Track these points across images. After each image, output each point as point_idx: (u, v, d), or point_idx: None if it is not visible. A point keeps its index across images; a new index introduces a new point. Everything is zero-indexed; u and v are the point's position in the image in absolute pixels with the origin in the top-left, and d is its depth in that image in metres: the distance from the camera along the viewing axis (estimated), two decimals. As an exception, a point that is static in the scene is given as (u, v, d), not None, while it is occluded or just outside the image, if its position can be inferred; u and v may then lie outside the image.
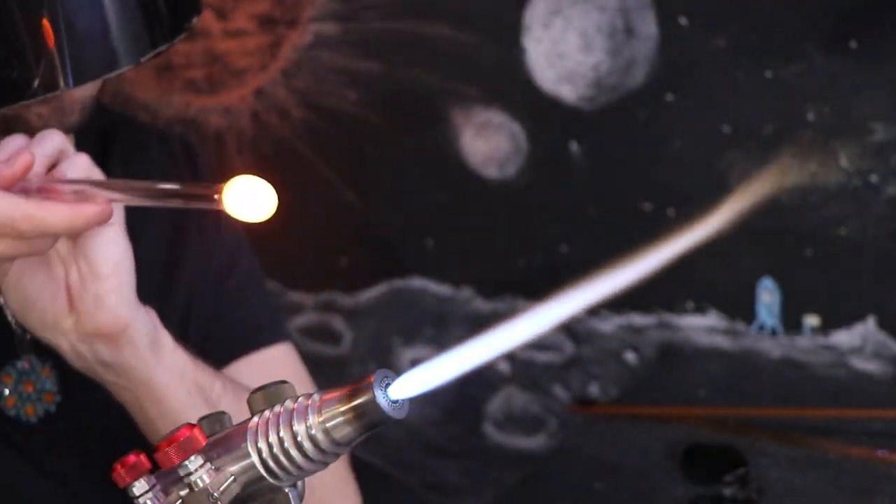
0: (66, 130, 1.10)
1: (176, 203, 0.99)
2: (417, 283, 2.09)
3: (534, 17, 1.95)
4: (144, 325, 1.08)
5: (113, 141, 1.26)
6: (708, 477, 1.46)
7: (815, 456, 1.53)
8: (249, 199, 0.96)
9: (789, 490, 1.45)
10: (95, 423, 1.17)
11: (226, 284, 1.28)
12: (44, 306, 1.06)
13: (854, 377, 1.83)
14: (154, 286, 1.15)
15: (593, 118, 1.94)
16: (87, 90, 1.12)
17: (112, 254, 1.06)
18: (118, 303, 1.06)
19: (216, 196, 0.94)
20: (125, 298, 1.06)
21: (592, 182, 1.95)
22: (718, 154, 1.86)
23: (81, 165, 1.04)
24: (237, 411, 1.13)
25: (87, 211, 1.00)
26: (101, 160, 1.12)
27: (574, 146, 1.96)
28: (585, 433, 1.67)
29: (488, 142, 2.01)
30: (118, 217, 1.05)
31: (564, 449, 1.68)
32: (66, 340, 1.08)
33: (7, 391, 1.18)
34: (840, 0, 1.78)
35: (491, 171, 2.02)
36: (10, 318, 1.17)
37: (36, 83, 1.00)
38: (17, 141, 1.02)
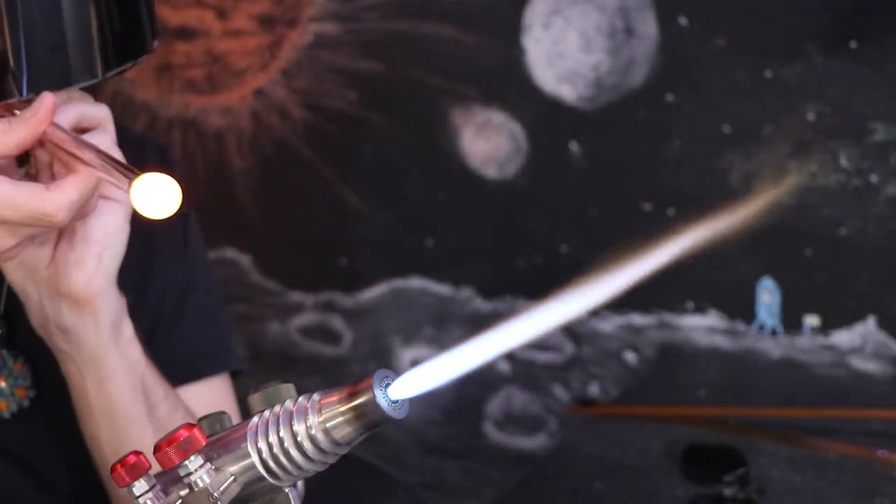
0: None
1: (99, 171, 0.97)
2: (417, 283, 2.09)
3: (534, 17, 1.95)
4: (112, 304, 1.08)
5: None
6: (708, 477, 1.46)
7: (815, 456, 1.53)
8: (157, 196, 0.92)
9: (789, 490, 1.45)
10: (69, 417, 1.16)
11: (182, 305, 1.27)
12: (30, 249, 1.05)
13: (854, 377, 1.83)
14: (130, 286, 1.15)
15: (593, 118, 1.94)
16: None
17: (108, 225, 1.06)
18: (96, 271, 1.06)
19: (131, 181, 0.93)
20: (104, 269, 1.07)
21: (592, 182, 1.95)
22: (718, 154, 1.86)
23: (103, 141, 1.03)
24: (170, 424, 1.13)
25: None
26: None
27: (574, 146, 1.96)
28: (585, 433, 1.67)
29: (488, 142, 2.01)
30: (126, 199, 1.04)
31: (564, 449, 1.68)
32: (35, 291, 1.08)
33: None
34: (840, 0, 1.78)
35: (491, 171, 2.02)
36: None
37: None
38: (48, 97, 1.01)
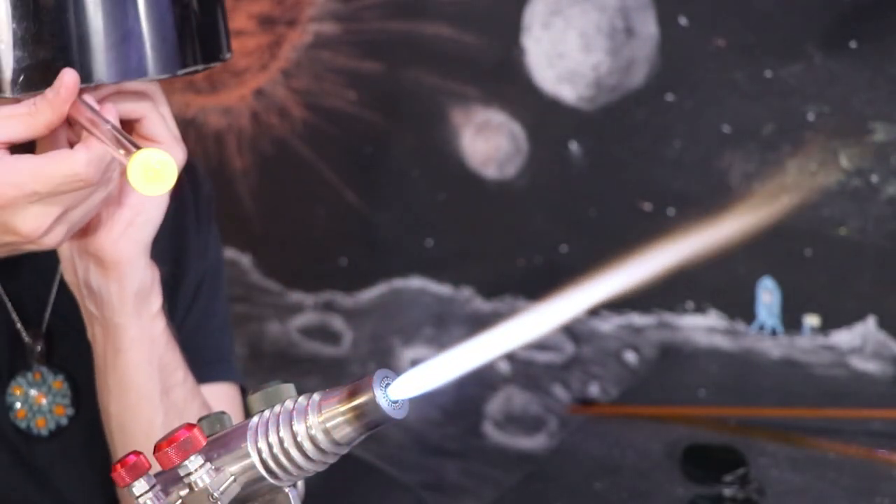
0: None
1: (106, 142, 0.95)
2: (417, 283, 2.09)
3: (534, 17, 1.95)
4: (140, 272, 1.07)
5: None
6: (708, 477, 1.46)
7: (815, 456, 1.53)
8: (153, 172, 0.90)
9: (789, 490, 1.45)
10: (104, 438, 1.15)
11: (197, 298, 1.26)
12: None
13: (854, 377, 1.83)
14: (167, 263, 1.14)
15: (593, 118, 1.94)
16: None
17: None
18: (125, 235, 1.05)
19: (130, 154, 0.91)
20: (134, 236, 1.05)
21: (592, 182, 1.95)
22: (718, 154, 1.86)
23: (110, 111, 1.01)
24: (186, 408, 1.11)
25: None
26: None
27: (574, 146, 1.96)
28: (585, 433, 1.67)
29: (488, 142, 2.01)
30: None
31: (564, 449, 1.68)
32: (67, 247, 1.07)
33: (18, 403, 1.16)
34: (840, 0, 1.78)
35: (491, 171, 2.02)
36: (20, 328, 1.16)
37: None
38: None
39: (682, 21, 1.86)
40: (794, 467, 1.50)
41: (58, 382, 1.17)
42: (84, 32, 0.97)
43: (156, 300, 1.09)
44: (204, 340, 1.24)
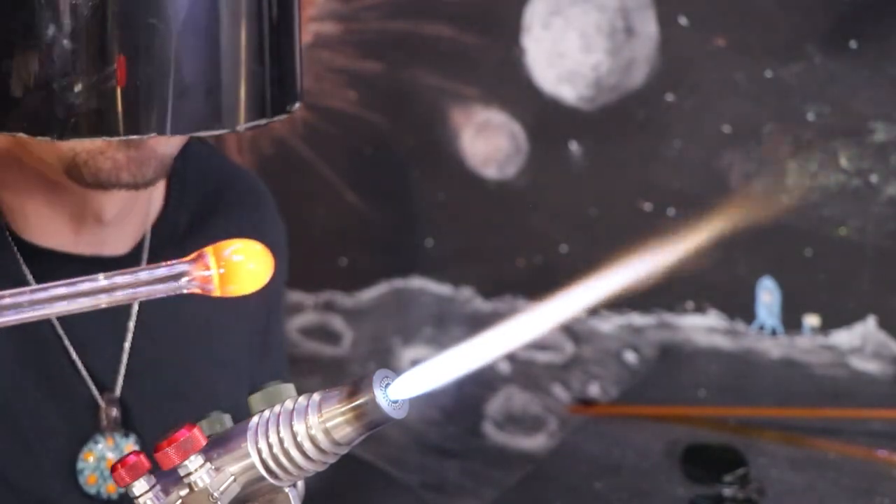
0: (137, 185, 1.02)
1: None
2: (417, 283, 2.09)
3: (534, 17, 1.95)
4: None
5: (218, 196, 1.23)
6: (708, 477, 1.46)
7: (815, 456, 1.53)
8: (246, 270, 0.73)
9: (789, 490, 1.45)
10: None
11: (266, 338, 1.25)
12: None
13: (854, 377, 1.83)
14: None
15: (593, 118, 1.94)
16: (173, 145, 1.04)
17: None
18: None
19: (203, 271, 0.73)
20: None
21: (592, 182, 1.95)
22: (718, 154, 1.87)
23: None
24: None
25: None
26: (202, 216, 1.09)
27: (574, 146, 1.96)
28: (585, 433, 1.67)
29: (488, 142, 2.01)
30: None
31: (564, 449, 1.67)
32: None
33: (88, 470, 1.14)
34: (840, 0, 1.78)
35: (491, 171, 2.02)
36: (95, 394, 1.14)
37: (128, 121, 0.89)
38: None
39: (682, 21, 1.86)
40: (794, 467, 1.50)
41: (129, 446, 1.15)
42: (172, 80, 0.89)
43: None
44: (272, 367, 1.25)
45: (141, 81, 0.88)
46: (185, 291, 0.71)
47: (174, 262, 0.72)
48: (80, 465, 1.14)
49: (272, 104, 0.95)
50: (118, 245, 1.16)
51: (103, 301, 0.70)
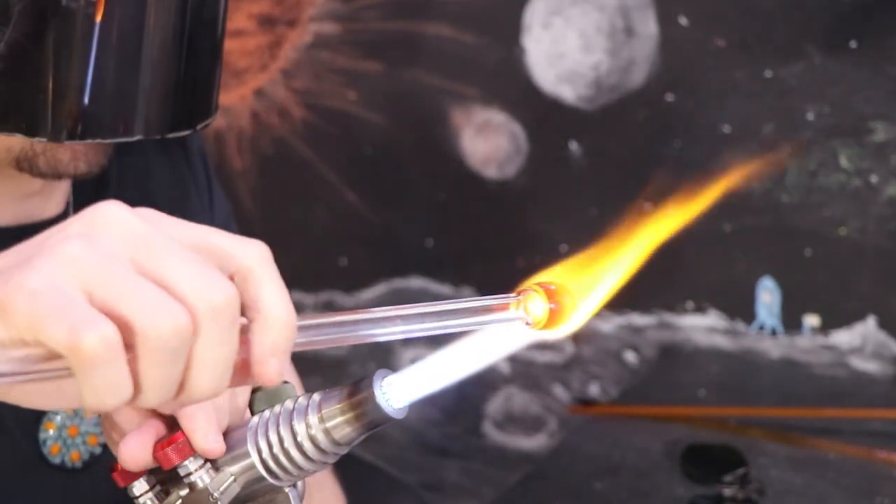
0: (92, 172, 1.03)
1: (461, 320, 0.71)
2: (417, 283, 2.09)
3: (534, 17, 1.95)
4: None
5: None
6: (708, 477, 1.46)
7: (815, 456, 1.53)
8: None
9: (789, 490, 1.45)
10: None
11: None
12: None
13: (854, 377, 1.83)
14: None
15: (593, 118, 1.94)
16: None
17: None
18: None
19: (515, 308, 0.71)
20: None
21: (592, 182, 1.95)
22: (718, 154, 1.86)
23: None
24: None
25: None
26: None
27: (574, 146, 1.96)
28: (585, 433, 1.67)
29: (488, 142, 2.01)
30: None
31: (564, 449, 1.67)
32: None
33: (50, 440, 1.13)
34: (840, 0, 1.78)
35: (491, 171, 2.02)
36: None
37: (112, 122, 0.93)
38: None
39: (682, 21, 1.86)
40: (794, 467, 1.50)
41: (87, 413, 1.13)
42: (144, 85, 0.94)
43: None
44: None
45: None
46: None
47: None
48: (41, 435, 1.13)
49: (187, 118, 0.99)
50: (47, 209, 1.13)
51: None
